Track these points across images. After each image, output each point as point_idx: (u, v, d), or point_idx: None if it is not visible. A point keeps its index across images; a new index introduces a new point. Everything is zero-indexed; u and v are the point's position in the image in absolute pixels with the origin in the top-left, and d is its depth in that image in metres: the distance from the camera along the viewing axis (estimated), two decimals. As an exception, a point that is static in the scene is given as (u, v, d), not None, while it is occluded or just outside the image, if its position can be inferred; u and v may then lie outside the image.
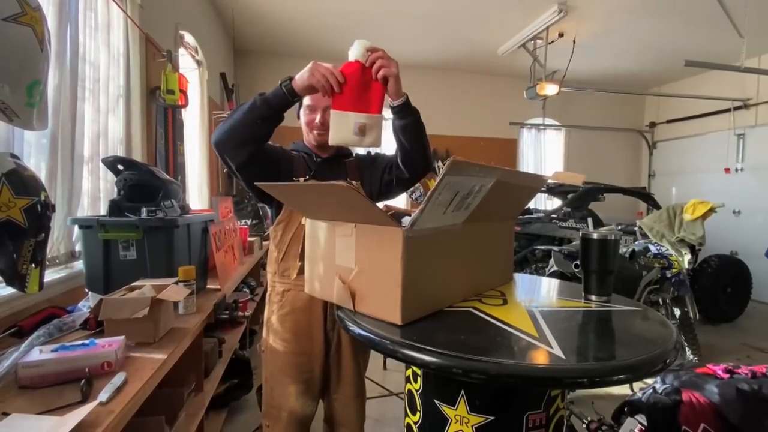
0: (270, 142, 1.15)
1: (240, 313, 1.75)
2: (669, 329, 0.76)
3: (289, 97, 1.00)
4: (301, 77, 0.98)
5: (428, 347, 0.61)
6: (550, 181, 3.64)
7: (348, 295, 0.79)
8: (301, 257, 1.05)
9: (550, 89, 3.98)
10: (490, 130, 5.66)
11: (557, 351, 0.61)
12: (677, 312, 2.62)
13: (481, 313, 0.80)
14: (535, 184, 1.03)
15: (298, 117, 1.25)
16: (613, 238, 0.91)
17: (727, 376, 1.37)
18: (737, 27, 3.19)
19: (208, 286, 1.76)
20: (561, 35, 4.02)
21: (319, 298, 0.90)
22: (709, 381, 1.34)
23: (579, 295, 0.97)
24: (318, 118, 1.17)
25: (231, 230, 2.21)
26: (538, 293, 1.01)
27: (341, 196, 0.70)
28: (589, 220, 1.04)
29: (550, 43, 4.02)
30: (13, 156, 0.92)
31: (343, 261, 0.82)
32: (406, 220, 0.74)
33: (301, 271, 1.07)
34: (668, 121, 5.82)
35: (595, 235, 0.92)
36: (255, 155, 1.05)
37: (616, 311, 0.86)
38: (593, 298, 0.93)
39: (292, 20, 3.90)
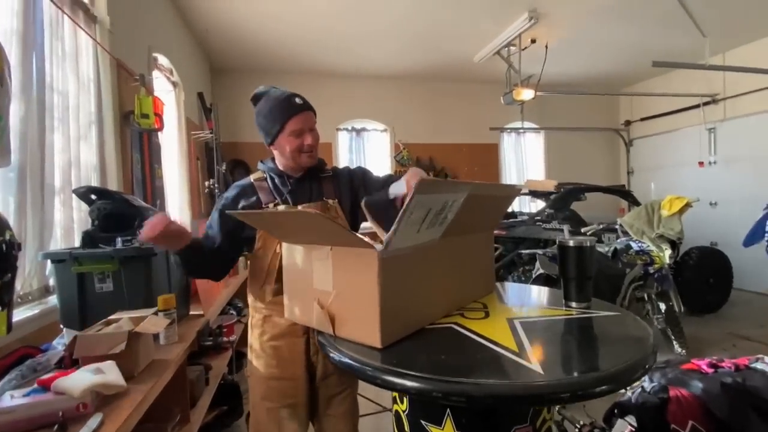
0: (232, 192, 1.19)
1: (225, 339, 1.72)
2: (646, 332, 0.77)
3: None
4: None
5: (408, 371, 0.60)
6: (524, 189, 3.69)
7: (327, 319, 0.78)
8: (277, 280, 1.04)
9: (526, 94, 4.06)
10: (471, 136, 5.73)
11: (535, 366, 0.61)
12: (662, 306, 2.66)
13: (462, 328, 0.80)
14: (508, 193, 1.04)
15: (269, 146, 1.20)
16: (588, 244, 0.92)
17: (711, 370, 1.39)
18: (700, 27, 3.31)
19: (191, 312, 1.72)
20: (533, 41, 4.12)
21: (299, 323, 0.88)
22: (694, 377, 1.36)
23: (560, 302, 0.97)
24: (308, 140, 1.14)
25: (214, 252, 2.17)
26: (520, 303, 1.02)
27: (312, 222, 0.69)
28: (565, 227, 1.04)
29: (523, 50, 4.11)
30: (-25, 195, 0.89)
31: (321, 285, 0.81)
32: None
33: (276, 293, 1.05)
34: (642, 119, 5.98)
35: (571, 243, 0.93)
36: (222, 253, 1.18)
37: (596, 317, 0.87)
38: (573, 305, 0.93)
39: (267, 37, 3.91)
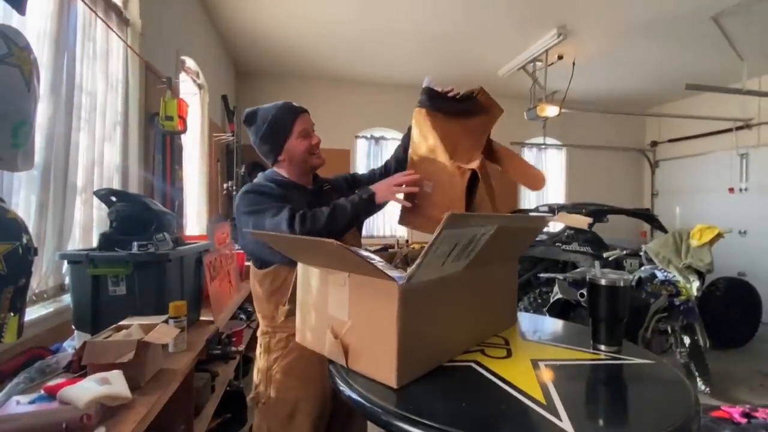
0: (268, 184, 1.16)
1: (233, 349, 1.69)
2: (686, 388, 0.71)
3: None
4: (383, 196, 1.04)
5: (424, 421, 0.56)
6: (540, 207, 3.59)
7: (340, 350, 0.74)
8: (290, 301, 1.00)
9: (551, 111, 3.97)
10: (491, 150, 5.65)
11: (567, 425, 0.55)
12: (687, 340, 2.54)
13: (483, 369, 0.75)
14: (538, 225, 0.99)
15: (275, 159, 1.19)
16: (622, 284, 0.86)
17: (744, 420, 1.30)
18: (737, 50, 3.19)
19: (201, 318, 1.70)
20: (560, 57, 4.05)
21: (311, 349, 0.84)
22: (726, 427, 1.27)
23: (587, 341, 0.91)
24: (315, 139, 1.19)
25: (227, 256, 2.17)
26: (543, 340, 0.96)
27: (332, 252, 0.66)
28: (597, 263, 0.98)
29: (549, 65, 4.03)
30: (-4, 198, 0.88)
31: (335, 312, 0.77)
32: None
33: (289, 314, 1.02)
34: (670, 141, 5.81)
35: (603, 281, 0.87)
36: None
37: (628, 365, 0.81)
38: (602, 348, 0.87)
39: (291, 43, 3.94)
